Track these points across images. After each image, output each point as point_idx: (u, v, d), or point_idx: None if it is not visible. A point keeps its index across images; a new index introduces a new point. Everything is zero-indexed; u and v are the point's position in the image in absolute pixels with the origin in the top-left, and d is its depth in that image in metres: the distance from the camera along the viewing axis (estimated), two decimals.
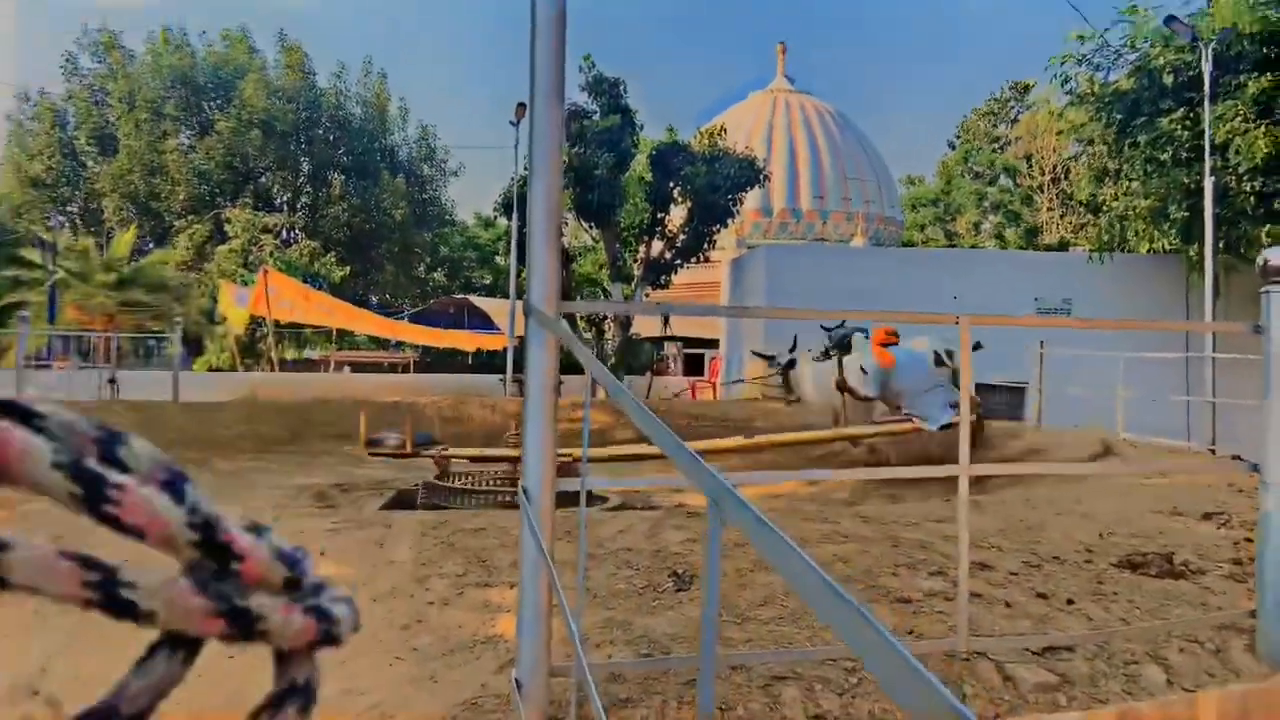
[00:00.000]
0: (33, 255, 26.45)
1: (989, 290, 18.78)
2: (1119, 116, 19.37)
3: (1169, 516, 5.60)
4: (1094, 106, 19.99)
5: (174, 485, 0.48)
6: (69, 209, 33.09)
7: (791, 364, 12.16)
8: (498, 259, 38.62)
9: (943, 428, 9.92)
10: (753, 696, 2.97)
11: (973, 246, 38.24)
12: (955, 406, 9.81)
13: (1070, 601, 3.90)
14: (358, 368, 28.16)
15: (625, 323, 23.19)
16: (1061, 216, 38.78)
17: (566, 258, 24.64)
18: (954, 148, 44.72)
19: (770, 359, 12.55)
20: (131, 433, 0.48)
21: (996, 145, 42.59)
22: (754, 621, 3.55)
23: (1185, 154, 17.83)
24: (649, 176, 22.20)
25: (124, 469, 0.47)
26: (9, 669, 3.22)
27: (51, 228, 30.04)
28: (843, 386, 10.94)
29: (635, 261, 23.26)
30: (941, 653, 3.22)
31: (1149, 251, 20.45)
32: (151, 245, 31.06)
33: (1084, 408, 15.04)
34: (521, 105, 16.53)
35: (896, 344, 11.26)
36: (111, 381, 15.63)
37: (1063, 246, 33.67)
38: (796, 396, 12.71)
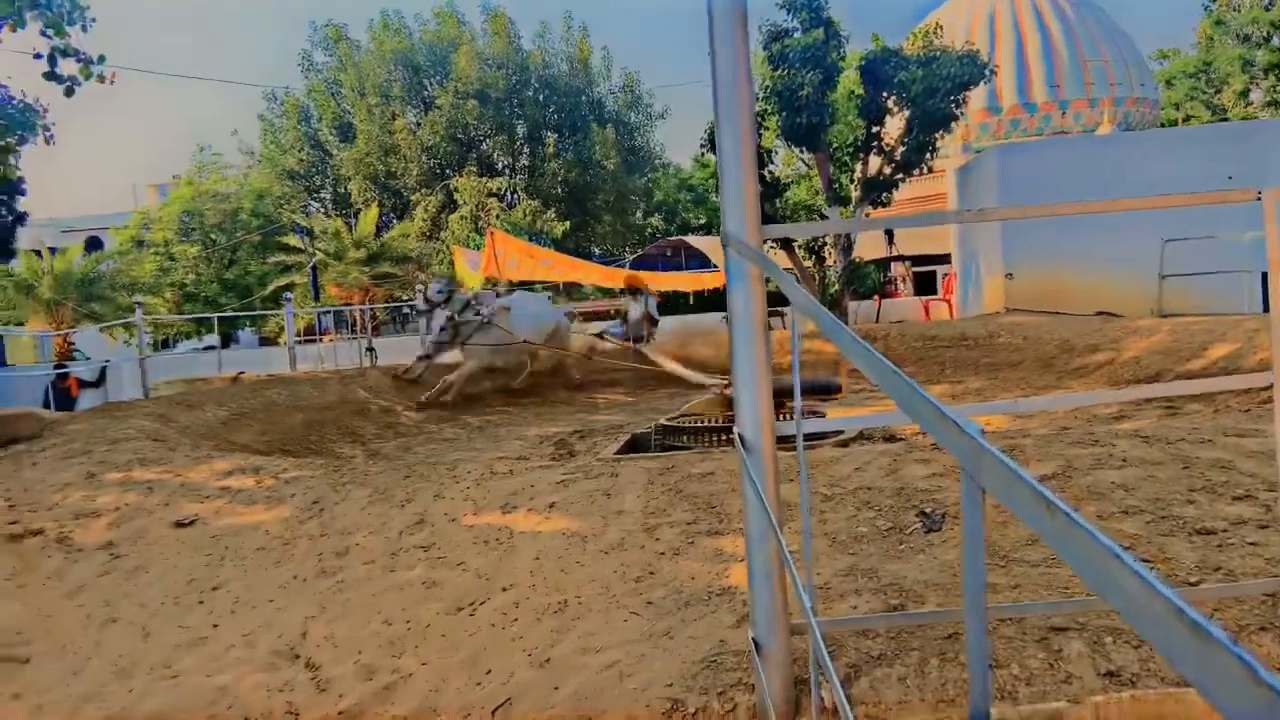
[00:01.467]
0: (294, 241, 29.15)
1: (1267, 166, 16.30)
2: None
3: None
4: None
5: None
6: (320, 195, 36.12)
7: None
8: (711, 197, 38.34)
9: None
10: (1029, 652, 2.60)
11: (1243, 119, 33.53)
12: None
13: None
14: (587, 317, 29.02)
15: (847, 247, 22.24)
16: None
17: (777, 186, 23.89)
18: (1209, 12, 39.18)
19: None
20: None
21: (1262, 2, 36.86)
22: (1020, 564, 3.14)
23: None
24: (859, 90, 20.95)
25: None
26: (271, 632, 3.41)
27: (308, 214, 32.96)
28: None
29: (852, 182, 22.17)
30: (1261, 595, 2.69)
31: None
32: (394, 220, 33.35)
33: None
34: None
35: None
36: (369, 350, 16.93)
37: None
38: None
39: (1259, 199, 2.45)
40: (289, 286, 26.42)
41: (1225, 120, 33.88)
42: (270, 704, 2.99)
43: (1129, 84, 29.25)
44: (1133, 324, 12.16)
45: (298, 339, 17.91)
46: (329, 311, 26.25)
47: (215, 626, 3.55)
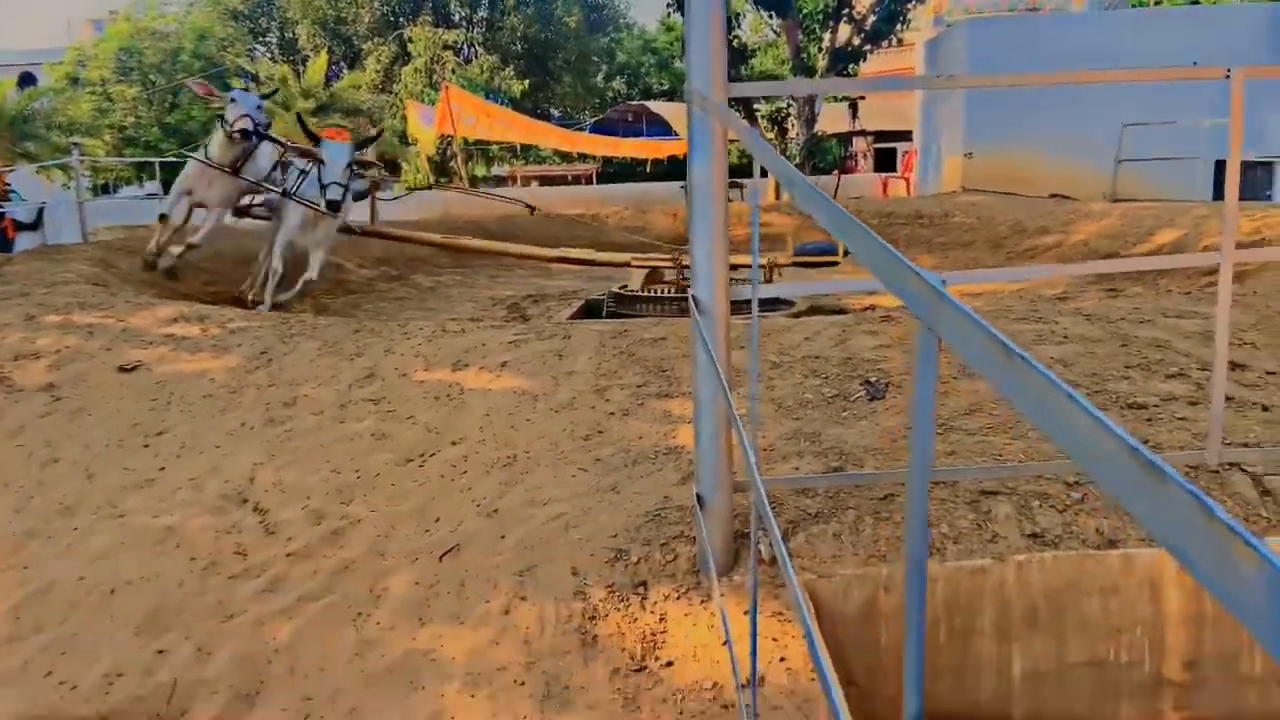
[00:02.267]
0: (239, 86, 27.82)
1: (1239, 50, 16.19)
2: None
3: None
4: None
5: None
6: (266, 39, 34.29)
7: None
8: (676, 63, 37.18)
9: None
10: (959, 513, 2.71)
11: (1214, 3, 33.07)
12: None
13: None
14: (544, 182, 28.47)
15: (810, 119, 21.87)
16: None
17: (744, 52, 23.21)
18: None
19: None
20: None
21: None
22: (958, 431, 3.24)
23: None
24: None
25: None
26: (218, 477, 3.42)
27: (253, 59, 31.36)
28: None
29: (820, 51, 21.61)
30: (1186, 466, 2.81)
31: None
32: (344, 69, 31.89)
33: None
34: None
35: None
36: None
37: None
38: None
39: (1228, 77, 2.42)
40: None
41: (1197, 4, 33.38)
42: (218, 545, 3.02)
43: None
44: (1085, 207, 12.26)
45: None
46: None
47: (161, 470, 3.55)
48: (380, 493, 3.23)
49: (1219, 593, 0.41)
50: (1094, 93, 15.28)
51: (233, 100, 8.16)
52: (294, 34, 32.21)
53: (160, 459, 3.64)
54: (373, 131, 10.28)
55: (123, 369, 4.45)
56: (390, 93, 30.34)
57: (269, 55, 33.51)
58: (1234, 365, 3.67)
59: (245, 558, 2.96)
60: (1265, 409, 3.33)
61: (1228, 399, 3.24)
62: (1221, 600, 0.41)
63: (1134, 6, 30.36)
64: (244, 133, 7.98)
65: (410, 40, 30.45)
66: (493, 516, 2.99)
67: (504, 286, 11.26)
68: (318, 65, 27.35)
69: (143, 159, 25.34)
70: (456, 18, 33.26)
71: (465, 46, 32.21)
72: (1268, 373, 3.69)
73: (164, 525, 3.15)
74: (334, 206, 7.76)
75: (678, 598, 2.49)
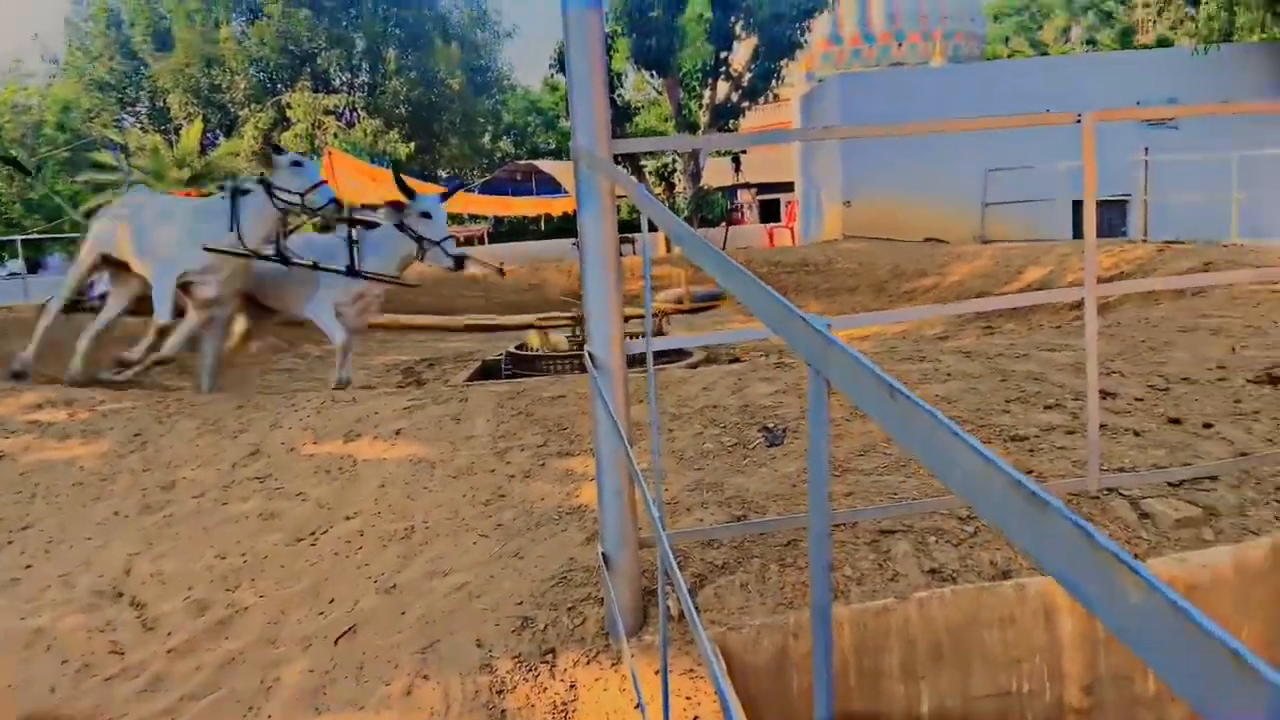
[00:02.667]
0: (107, 159, 26.81)
1: (1084, 98, 17.40)
2: None
3: None
4: None
5: None
6: (136, 109, 33.26)
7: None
8: (561, 122, 37.71)
9: None
10: (860, 554, 2.74)
11: (1062, 54, 35.57)
12: None
13: (1207, 425, 3.53)
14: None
15: (695, 174, 22.43)
16: (1159, 13, 35.59)
17: (628, 110, 23.73)
18: None
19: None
20: None
21: None
22: (855, 473, 3.29)
23: None
24: (708, 14, 20.92)
25: None
26: (90, 571, 3.20)
27: (121, 129, 30.33)
28: None
29: (701, 108, 22.26)
30: (1067, 493, 2.92)
31: (1260, 40, 18.60)
32: (220, 137, 31.15)
33: (1192, 217, 14.06)
34: None
35: None
36: None
37: (1160, 46, 31.03)
38: None
39: (1079, 122, 2.58)
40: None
41: (1046, 55, 35.83)
42: (92, 644, 2.81)
43: (960, 18, 30.37)
44: (957, 249, 12.86)
45: None
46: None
47: (28, 568, 3.30)
48: (269, 576, 3.08)
49: (1107, 620, 0.41)
50: (959, 141, 16.12)
51: (296, 165, 6.17)
52: (165, 103, 31.35)
53: (26, 556, 3.39)
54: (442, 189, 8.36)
55: None
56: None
57: (139, 125, 32.49)
58: (1105, 394, 3.86)
59: (122, 656, 2.76)
60: (1136, 434, 3.51)
61: (1102, 426, 3.39)
62: (1110, 627, 0.41)
63: (989, 59, 32.35)
64: (335, 204, 6.17)
65: (289, 106, 30.02)
66: (391, 592, 2.88)
67: (397, 351, 11.05)
68: (192, 133, 26.67)
69: (4, 238, 24.10)
70: (337, 82, 32.98)
71: (347, 111, 31.94)
72: (1136, 399, 3.89)
73: (32, 628, 2.92)
74: (460, 262, 6.73)
75: (587, 662, 2.43)
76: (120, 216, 6.55)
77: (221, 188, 6.52)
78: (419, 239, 6.53)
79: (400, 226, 6.60)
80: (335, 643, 2.66)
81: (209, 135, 30.49)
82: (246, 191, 6.20)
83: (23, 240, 19.24)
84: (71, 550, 3.38)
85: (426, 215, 6.59)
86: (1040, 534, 0.47)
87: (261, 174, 6.33)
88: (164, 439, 4.23)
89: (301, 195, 6.02)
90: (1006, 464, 0.51)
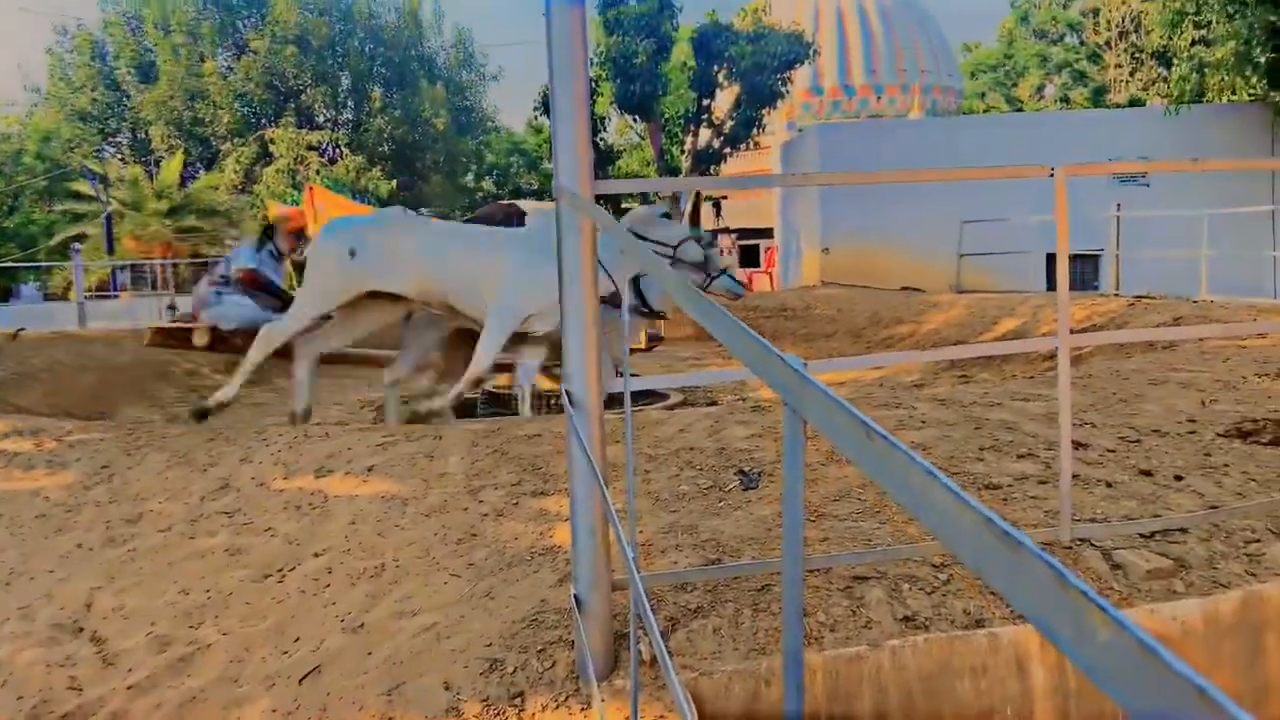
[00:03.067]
0: (85, 189, 26.72)
1: (1057, 153, 17.78)
2: None
3: (1275, 379, 5.16)
4: None
5: None
6: (117, 140, 33.21)
7: None
8: (544, 163, 38.02)
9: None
10: (834, 600, 2.73)
11: (1036, 110, 36.41)
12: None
13: (1178, 478, 3.57)
14: None
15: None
16: (1131, 73, 36.61)
17: (610, 154, 23.98)
18: (1014, 8, 42.24)
19: None
20: None
21: (1061, 1, 40.10)
22: (829, 518, 3.29)
23: None
24: (692, 62, 21.28)
25: None
26: (51, 604, 3.13)
27: (102, 160, 30.25)
28: None
29: (682, 153, 22.54)
30: (1040, 543, 2.93)
31: (1229, 102, 19.13)
32: (201, 170, 31.13)
33: (1163, 272, 14.32)
34: None
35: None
36: (172, 308, 15.80)
37: (1133, 105, 31.85)
38: None
39: (1051, 175, 2.63)
40: (79, 237, 24.21)
41: (1021, 111, 36.65)
42: (50, 680, 2.73)
43: (938, 72, 31.08)
44: (933, 298, 13.00)
45: (89, 295, 16.50)
46: (126, 266, 24.26)
47: None
48: (234, 613, 3.02)
49: (1077, 659, 0.41)
50: (936, 192, 16.42)
51: (665, 217, 6.32)
52: (147, 135, 31.33)
53: None
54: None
55: None
56: (250, 192, 29.73)
57: (119, 156, 32.42)
58: (1077, 444, 3.90)
59: (80, 693, 2.69)
60: (1108, 485, 3.53)
61: (1074, 477, 3.42)
62: (1080, 666, 0.41)
63: (965, 114, 33.03)
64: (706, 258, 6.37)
65: (272, 141, 30.09)
66: (358, 632, 2.83)
67: (374, 389, 10.98)
68: (172, 166, 26.65)
69: None
70: (321, 119, 33.13)
71: (330, 147, 32.05)
72: (1108, 450, 3.92)
73: None
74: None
75: (556, 707, 2.39)
76: (390, 245, 5.78)
77: None
78: (707, 269, 6.55)
79: (673, 260, 6.41)
80: (300, 682, 2.61)
81: (190, 168, 30.47)
82: None
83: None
84: (32, 582, 3.31)
85: (711, 244, 6.68)
86: (1012, 573, 0.47)
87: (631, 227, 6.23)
88: (131, 471, 4.16)
89: (674, 248, 6.23)
90: (980, 504, 0.51)
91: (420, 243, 5.77)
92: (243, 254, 8.09)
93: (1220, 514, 3.15)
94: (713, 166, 22.36)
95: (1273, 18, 16.32)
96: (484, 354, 5.54)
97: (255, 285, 7.76)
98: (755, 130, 22.10)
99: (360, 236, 5.90)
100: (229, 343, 7.45)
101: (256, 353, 6.02)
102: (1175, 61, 20.14)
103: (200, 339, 7.38)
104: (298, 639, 2.84)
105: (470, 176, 37.70)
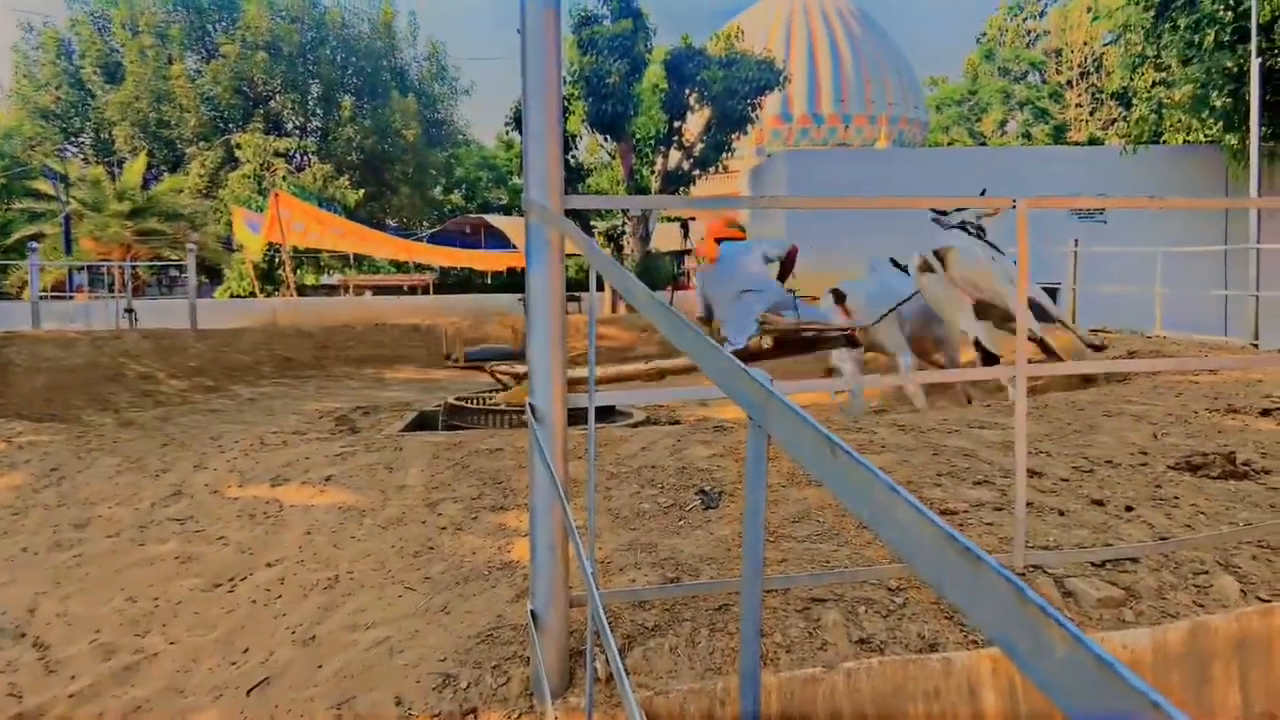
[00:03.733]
0: (45, 187, 26.22)
1: (1017, 188, 18.12)
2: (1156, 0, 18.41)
3: (1225, 414, 5.28)
4: None
5: None
6: (79, 140, 32.70)
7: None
8: (513, 179, 38.03)
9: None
10: (790, 621, 2.73)
11: (999, 145, 37.11)
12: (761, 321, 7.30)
13: (1129, 508, 3.63)
14: (377, 291, 28.01)
15: (645, 237, 22.72)
16: (1091, 113, 37.51)
17: (580, 172, 24.05)
18: (980, 43, 43.13)
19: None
20: None
21: (1025, 40, 41.01)
22: (788, 539, 3.30)
23: (1228, 37, 16.90)
24: (664, 84, 21.42)
25: None
26: None
27: (63, 159, 29.72)
28: None
29: (652, 174, 22.65)
30: None
31: (1185, 143, 19.66)
32: (165, 173, 30.71)
33: (1118, 307, 14.63)
34: None
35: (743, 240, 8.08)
36: (129, 311, 15.52)
37: (1092, 143, 32.60)
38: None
39: (1014, 207, 2.68)
40: (36, 236, 23.71)
41: (984, 145, 37.36)
42: None
43: (905, 105, 31.61)
44: None
45: (44, 295, 16.15)
46: (84, 267, 23.80)
47: None
48: (182, 621, 2.95)
49: (1035, 676, 0.42)
50: (900, 221, 16.60)
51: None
52: (110, 135, 30.88)
53: None
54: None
55: None
56: (215, 197, 29.37)
57: (82, 156, 31.89)
58: (1032, 473, 3.95)
59: (20, 700, 2.61)
60: (1062, 514, 3.58)
61: (1029, 504, 3.47)
62: (1036, 681, 0.42)
63: (931, 146, 33.60)
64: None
65: (239, 146, 29.80)
66: (309, 644, 2.78)
67: (332, 398, 10.85)
68: (135, 167, 26.24)
69: None
70: (289, 126, 32.89)
71: (298, 155, 31.80)
72: (1061, 479, 3.98)
73: None
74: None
75: None
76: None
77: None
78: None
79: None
80: (247, 694, 2.56)
81: (153, 171, 30.04)
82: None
83: None
84: None
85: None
86: (972, 589, 0.48)
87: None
88: (81, 475, 4.07)
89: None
90: (941, 520, 0.52)
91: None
92: (768, 249, 8.23)
93: (1170, 545, 3.21)
94: (682, 188, 22.50)
95: (1229, 63, 16.83)
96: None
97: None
98: (725, 154, 22.29)
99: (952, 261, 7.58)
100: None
101: None
102: (1135, 102, 20.67)
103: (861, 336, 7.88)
104: (247, 650, 2.78)
105: (439, 189, 37.58)
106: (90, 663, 2.76)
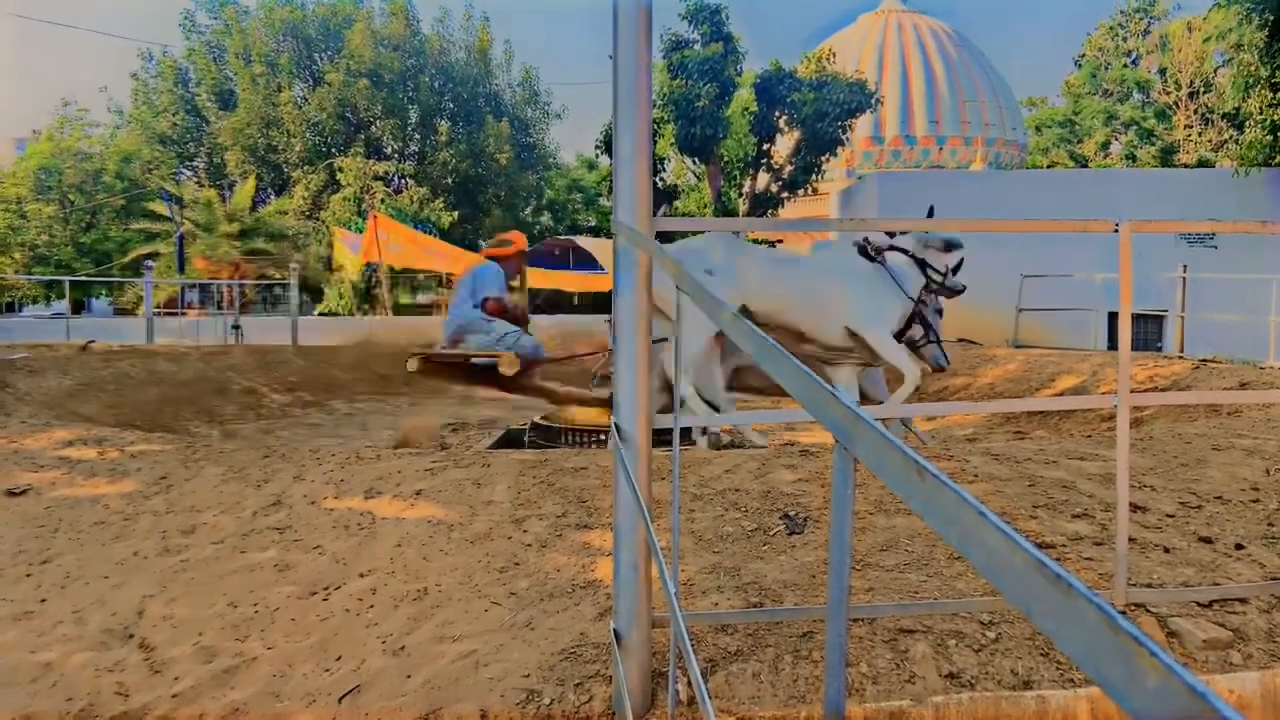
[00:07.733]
0: (160, 209, 27.65)
1: (1123, 211, 17.50)
2: (1270, 17, 17.61)
3: None
4: (1243, 7, 18.23)
5: None
6: (194, 164, 34.37)
7: None
8: (602, 200, 38.46)
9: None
10: (877, 652, 2.68)
11: (1102, 168, 35.91)
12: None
13: (1239, 546, 3.45)
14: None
15: None
16: (1200, 133, 36.02)
17: (669, 195, 24.18)
18: (1080, 66, 41.91)
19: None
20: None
21: (1127, 61, 39.71)
22: (875, 568, 3.25)
23: None
24: (753, 107, 21.44)
25: None
26: (104, 610, 3.20)
27: (178, 182, 31.30)
28: None
29: (740, 197, 22.64)
30: None
31: None
32: (271, 196, 32.04)
33: (1229, 336, 13.96)
34: None
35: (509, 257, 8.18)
36: (236, 327, 16.23)
37: (1202, 165, 31.26)
38: None
39: (1116, 230, 2.60)
40: (152, 255, 25.04)
41: (1086, 167, 36.20)
42: (98, 684, 2.79)
43: (1001, 126, 30.91)
44: (989, 352, 12.81)
45: (158, 311, 17.01)
46: (195, 285, 24.99)
47: (43, 601, 3.31)
48: (279, 628, 3.06)
49: (1127, 705, 0.41)
50: (997, 245, 16.22)
51: (953, 247, 7.79)
52: (223, 160, 32.38)
53: (43, 590, 3.40)
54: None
55: (10, 493, 4.20)
56: (317, 219, 30.48)
57: (195, 179, 33.53)
58: (1135, 507, 3.80)
59: (126, 698, 2.74)
60: (1166, 550, 3.43)
61: (1131, 540, 3.33)
62: (1129, 711, 0.41)
63: (1030, 169, 32.73)
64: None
65: (341, 170, 30.89)
66: (399, 654, 2.85)
67: (423, 415, 11.11)
68: (245, 190, 27.49)
69: (53, 277, 24.81)
70: (389, 150, 33.97)
71: (396, 178, 32.80)
72: (1167, 515, 3.82)
73: (41, 661, 2.92)
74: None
75: None
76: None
77: (876, 252, 7.39)
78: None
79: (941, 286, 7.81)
80: (339, 701, 2.63)
81: (261, 193, 31.39)
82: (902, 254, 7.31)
83: (70, 281, 19.74)
84: (87, 587, 3.39)
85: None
86: (1062, 616, 0.47)
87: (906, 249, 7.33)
88: (188, 484, 4.26)
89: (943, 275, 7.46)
90: (1031, 545, 0.51)
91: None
92: (490, 279, 8.14)
93: None
94: (770, 210, 22.42)
95: None
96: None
97: (501, 312, 8.01)
98: (814, 176, 22.14)
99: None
100: (526, 374, 7.68)
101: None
102: (1248, 124, 19.78)
103: (508, 368, 7.51)
104: (339, 657, 2.87)
105: (529, 211, 38.26)
106: (192, 664, 2.88)
